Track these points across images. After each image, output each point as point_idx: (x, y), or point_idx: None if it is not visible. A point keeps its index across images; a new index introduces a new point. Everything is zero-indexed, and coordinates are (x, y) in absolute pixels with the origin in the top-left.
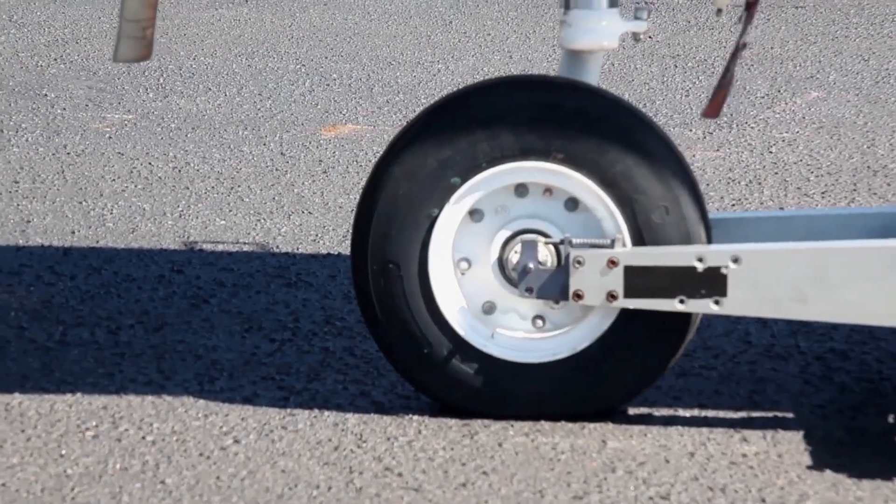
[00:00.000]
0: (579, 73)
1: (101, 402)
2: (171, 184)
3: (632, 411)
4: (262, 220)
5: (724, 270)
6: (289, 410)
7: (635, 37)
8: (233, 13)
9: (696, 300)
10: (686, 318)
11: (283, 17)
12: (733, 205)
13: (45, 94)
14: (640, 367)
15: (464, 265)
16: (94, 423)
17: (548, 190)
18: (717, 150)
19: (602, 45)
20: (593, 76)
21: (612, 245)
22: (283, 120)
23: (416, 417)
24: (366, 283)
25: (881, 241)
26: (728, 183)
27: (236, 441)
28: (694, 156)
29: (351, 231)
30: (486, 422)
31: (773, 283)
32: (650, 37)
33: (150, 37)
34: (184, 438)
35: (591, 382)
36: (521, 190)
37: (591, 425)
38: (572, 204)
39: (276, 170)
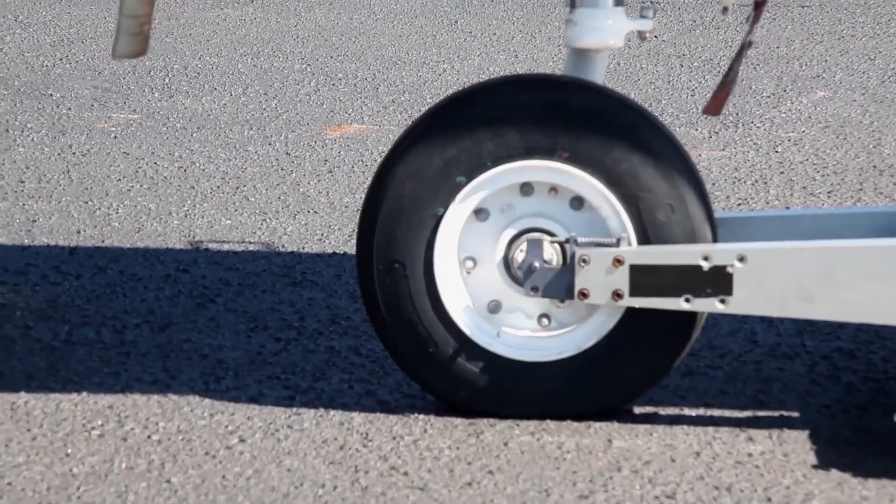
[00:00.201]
0: (585, 71)
1: (106, 402)
2: (176, 183)
3: (637, 410)
4: (268, 220)
5: (729, 269)
6: (294, 409)
7: (641, 35)
8: (238, 13)
9: (702, 299)
10: (691, 316)
11: (289, 17)
12: (739, 204)
13: (51, 94)
14: (645, 365)
15: (469, 264)
16: (99, 423)
17: (553, 189)
18: (723, 149)
19: (608, 43)
20: (599, 75)
21: (617, 244)
22: (288, 119)
23: (421, 416)
24: (371, 283)
25: (887, 240)
26: (734, 182)
27: (242, 440)
28: (700, 155)
29: (356, 230)
30: (492, 421)
31: (778, 281)
32: (656, 36)
33: (146, 32)
34: (189, 437)
35: (597, 381)
36: (526, 189)
37: (597, 424)
38: (577, 202)
39: (282, 169)
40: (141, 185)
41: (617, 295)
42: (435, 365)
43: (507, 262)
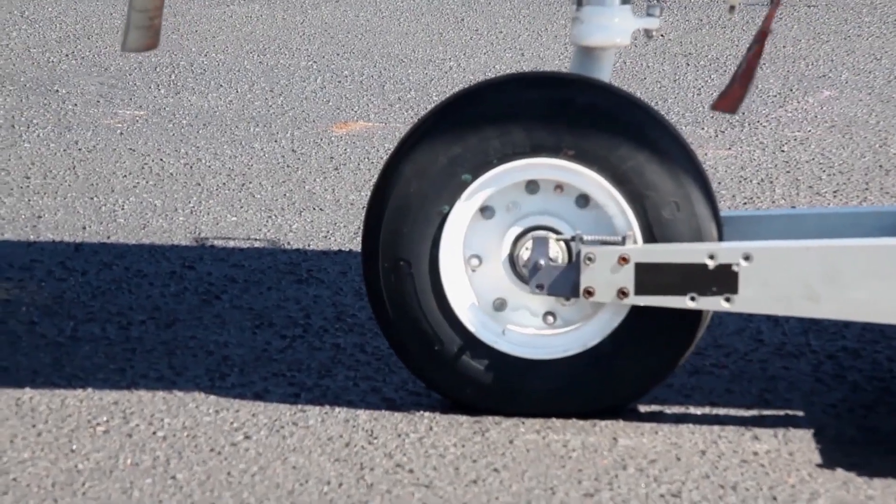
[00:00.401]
0: (591, 69)
1: (112, 398)
2: (182, 180)
3: (643, 409)
4: (274, 217)
5: (735, 268)
6: (300, 407)
7: (648, 34)
8: (244, 10)
9: (707, 297)
10: (697, 315)
11: (295, 14)
12: (745, 203)
13: (57, 90)
14: (650, 363)
15: (474, 262)
16: (105, 419)
17: (559, 186)
18: (729, 148)
19: (615, 41)
20: (605, 73)
21: (623, 242)
22: (294, 117)
23: (427, 414)
24: (377, 281)
25: (892, 239)
26: (740, 181)
27: (247, 437)
28: (706, 154)
29: (362, 228)
30: (497, 419)
31: (784, 280)
32: (662, 35)
33: (157, 26)
34: (195, 434)
35: (602, 379)
36: (532, 187)
37: (603, 423)
38: (583, 200)
39: (288, 166)
40: (147, 182)
41: (622, 293)
42: (440, 363)
43: (512, 260)
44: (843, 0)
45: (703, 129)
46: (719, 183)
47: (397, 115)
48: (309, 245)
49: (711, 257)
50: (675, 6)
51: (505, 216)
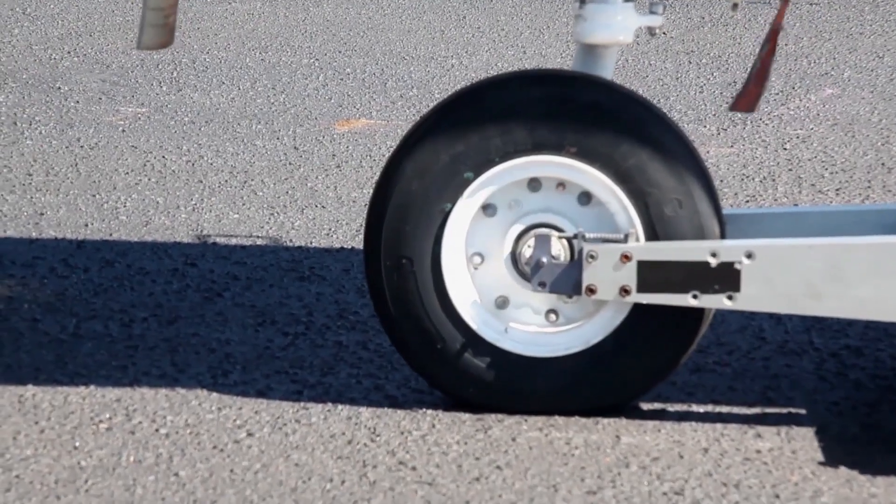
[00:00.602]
0: (594, 67)
1: (114, 395)
2: (184, 177)
3: (645, 407)
4: (276, 214)
5: (737, 266)
6: (302, 404)
7: (650, 31)
8: (246, 7)
9: (710, 295)
10: (699, 312)
11: (297, 12)
12: (747, 201)
13: (59, 87)
14: (653, 361)
15: (477, 260)
16: (107, 416)
17: (561, 184)
18: (732, 146)
19: (617, 39)
20: (608, 71)
21: (625, 240)
22: (296, 114)
23: (429, 411)
24: (379, 279)
25: (894, 237)
26: (742, 179)
27: (250, 434)
28: (708, 152)
29: (364, 226)
30: (500, 416)
31: (786, 278)
32: (664, 33)
33: (171, 24)
34: (197, 431)
35: (605, 377)
36: (534, 184)
37: (605, 420)
38: (585, 198)
39: (290, 164)
40: (149, 179)
41: (624, 291)
42: (442, 361)
43: (514, 258)
44: None
45: (705, 126)
46: (722, 181)
47: (399, 112)
48: (311, 242)
49: (714, 255)
50: (677, 4)
51: (507, 214)
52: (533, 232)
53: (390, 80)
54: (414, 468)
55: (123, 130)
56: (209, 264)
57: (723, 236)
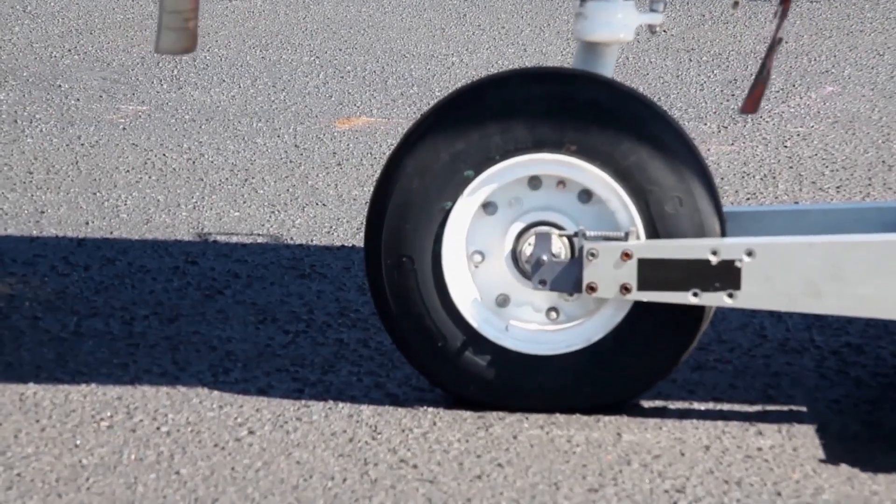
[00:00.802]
0: (594, 65)
1: (115, 393)
2: (185, 175)
3: (647, 405)
4: (277, 212)
5: (738, 264)
6: (303, 402)
7: (651, 29)
8: (247, 5)
9: (710, 293)
10: (699, 310)
11: (297, 9)
12: (748, 199)
13: (59, 85)
14: (653, 359)
15: (477, 258)
16: (108, 414)
17: (561, 182)
18: (732, 144)
19: (618, 37)
20: (608, 68)
21: (625, 238)
22: (297, 112)
23: (430, 409)
24: (379, 277)
25: (895, 235)
26: (743, 177)
27: (251, 432)
28: (709, 150)
29: (364, 225)
30: (501, 414)
31: (787, 276)
32: (665, 31)
33: (193, 28)
34: (198, 429)
35: (606, 374)
36: (534, 182)
37: (607, 418)
38: (586, 196)
39: (290, 162)
40: (149, 177)
41: (625, 289)
42: (443, 359)
43: (515, 256)
44: None
45: (705, 124)
46: (722, 178)
47: (400, 110)
48: (312, 240)
49: (714, 253)
50: (677, 2)
51: (507, 212)
52: (533, 230)
53: (391, 78)
54: (415, 466)
55: (124, 128)
56: (210, 262)
57: (723, 234)
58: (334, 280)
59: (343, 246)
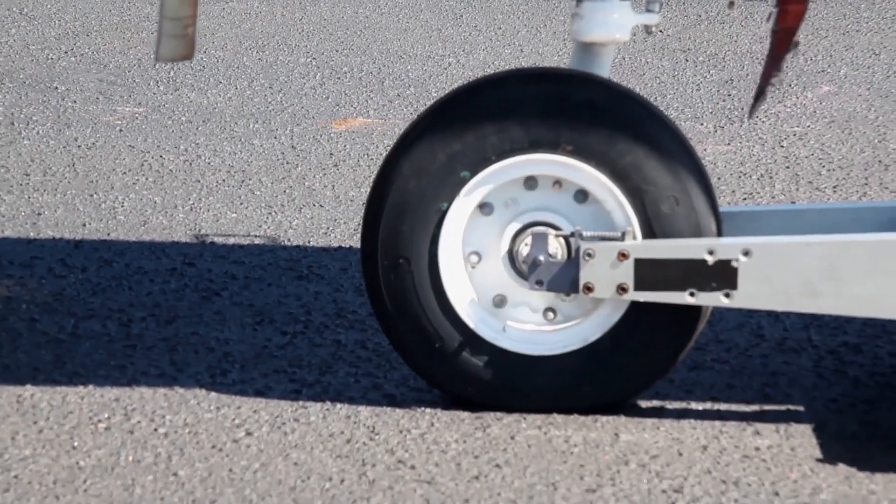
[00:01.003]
0: (591, 65)
1: (113, 395)
2: (182, 177)
3: (644, 405)
4: (274, 213)
5: (734, 263)
6: (301, 403)
7: (647, 29)
8: (243, 6)
9: (707, 293)
10: (696, 310)
11: (294, 11)
12: (745, 198)
13: (56, 87)
14: (650, 358)
15: (474, 259)
16: (106, 415)
17: (557, 182)
18: (728, 143)
19: (614, 37)
20: (605, 69)
21: (622, 238)
22: (293, 113)
23: (428, 410)
24: (376, 279)
25: (892, 234)
26: (739, 177)
27: (249, 433)
28: (705, 150)
29: (361, 226)
30: (499, 414)
31: (783, 276)
32: (661, 31)
33: (191, 35)
34: (196, 431)
35: (603, 374)
36: (530, 183)
37: (604, 418)
38: (582, 196)
39: (287, 163)
40: (146, 179)
41: (622, 289)
42: (441, 360)
43: (511, 256)
44: None
45: (702, 124)
46: (719, 178)
47: (397, 111)
48: (309, 241)
49: (711, 253)
50: (673, 2)
51: (504, 212)
52: (530, 230)
53: (387, 79)
54: (413, 467)
55: (121, 130)
56: (207, 263)
57: (720, 233)
58: (332, 281)
59: (340, 247)
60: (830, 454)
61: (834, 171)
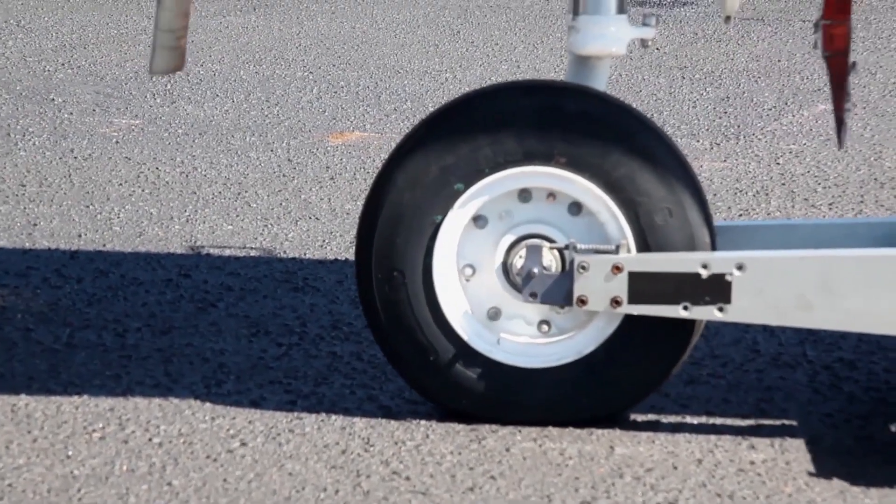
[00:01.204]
0: (587, 78)
1: (107, 404)
2: (178, 188)
3: (639, 418)
4: (270, 226)
5: (728, 277)
6: (296, 414)
7: (643, 43)
8: (240, 21)
9: (701, 307)
10: (690, 323)
11: (291, 25)
12: (740, 215)
13: (53, 99)
14: (645, 371)
15: (468, 271)
16: (100, 425)
17: (551, 194)
18: (725, 160)
19: (610, 50)
20: (601, 82)
21: (616, 251)
22: (290, 126)
23: (423, 422)
24: (371, 292)
25: (886, 249)
26: (735, 193)
27: (243, 444)
28: (701, 166)
29: (355, 239)
30: (494, 427)
31: (777, 290)
32: (657, 49)
33: (183, 46)
34: (191, 441)
35: (597, 387)
36: (524, 195)
37: (599, 431)
38: (576, 208)
39: (284, 176)
40: (142, 190)
41: (615, 302)
42: (436, 373)
43: (505, 269)
44: None
45: (698, 141)
46: (715, 195)
47: (393, 125)
48: (305, 254)
49: (705, 266)
50: (670, 20)
51: (498, 225)
52: (524, 243)
53: (384, 94)
54: (408, 478)
55: (117, 142)
56: (203, 275)
57: (713, 245)
58: (327, 293)
59: (336, 259)
60: (825, 468)
61: (830, 189)
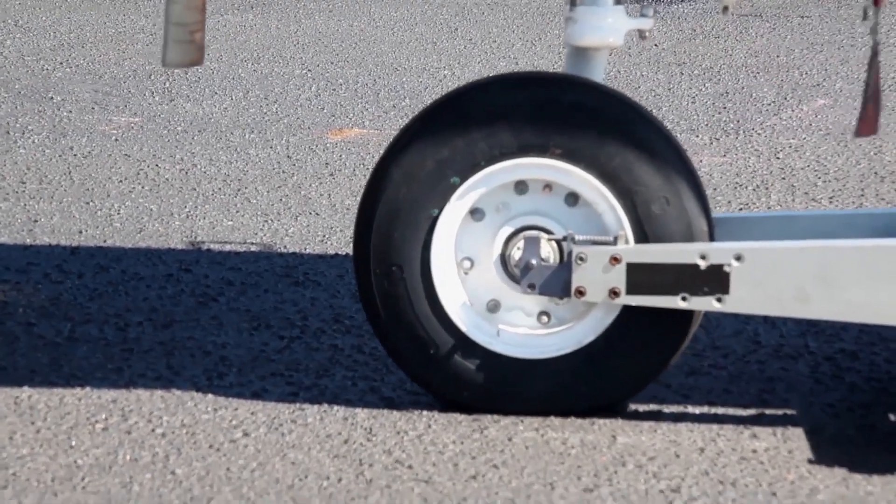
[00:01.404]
0: (584, 70)
1: (110, 396)
2: (178, 185)
3: (641, 408)
4: (270, 221)
5: (726, 268)
6: (298, 405)
7: (641, 34)
8: (239, 19)
9: (699, 297)
10: (689, 312)
11: (289, 23)
12: (740, 209)
13: (51, 97)
14: (644, 361)
15: (466, 264)
16: (103, 416)
17: (547, 186)
18: (724, 155)
19: (608, 42)
20: (598, 73)
21: (614, 242)
22: (289, 123)
23: (425, 412)
24: (369, 287)
25: (884, 240)
26: (735, 188)
27: (246, 434)
28: (701, 161)
29: (353, 235)
30: (496, 417)
31: (775, 281)
32: (656, 44)
33: (200, 40)
34: (193, 431)
35: (597, 377)
36: (520, 187)
37: (601, 421)
38: (572, 199)
39: (283, 172)
40: (142, 187)
41: (614, 293)
42: (436, 366)
43: (504, 261)
44: (837, 11)
45: (697, 136)
46: (714, 189)
47: (392, 122)
48: (305, 249)
49: (703, 257)
50: (668, 16)
51: (495, 217)
52: (522, 234)
53: (383, 91)
54: (410, 466)
55: (116, 139)
56: (203, 270)
57: (711, 234)
58: (328, 287)
59: (337, 254)
60: (827, 457)
61: (830, 183)
